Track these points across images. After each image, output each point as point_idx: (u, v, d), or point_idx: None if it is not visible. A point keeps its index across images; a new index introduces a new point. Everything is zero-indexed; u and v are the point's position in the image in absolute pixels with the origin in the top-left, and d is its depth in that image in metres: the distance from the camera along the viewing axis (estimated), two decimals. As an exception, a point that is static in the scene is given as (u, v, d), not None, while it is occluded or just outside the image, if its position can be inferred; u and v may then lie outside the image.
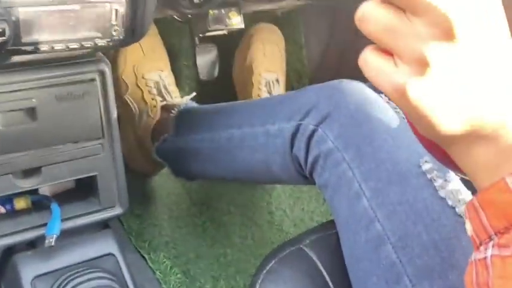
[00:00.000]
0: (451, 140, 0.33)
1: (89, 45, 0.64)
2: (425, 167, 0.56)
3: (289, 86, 1.35)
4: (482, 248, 0.34)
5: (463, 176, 0.44)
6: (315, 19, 1.35)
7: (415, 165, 0.56)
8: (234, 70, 1.25)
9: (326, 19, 1.34)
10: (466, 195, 0.55)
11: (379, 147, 0.58)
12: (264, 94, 1.16)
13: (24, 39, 0.59)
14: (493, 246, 0.33)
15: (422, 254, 0.53)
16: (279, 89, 1.20)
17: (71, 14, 0.61)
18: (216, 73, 1.20)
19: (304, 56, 1.37)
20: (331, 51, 1.38)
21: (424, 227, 0.53)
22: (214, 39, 1.12)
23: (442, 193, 0.55)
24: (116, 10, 0.63)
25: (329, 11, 1.32)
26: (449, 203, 0.54)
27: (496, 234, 0.33)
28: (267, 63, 1.20)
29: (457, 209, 0.54)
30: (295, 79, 1.37)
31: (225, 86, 1.25)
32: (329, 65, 1.39)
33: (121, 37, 0.65)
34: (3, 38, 0.57)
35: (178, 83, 1.20)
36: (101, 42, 0.64)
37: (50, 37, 0.61)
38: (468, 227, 0.36)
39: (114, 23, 0.63)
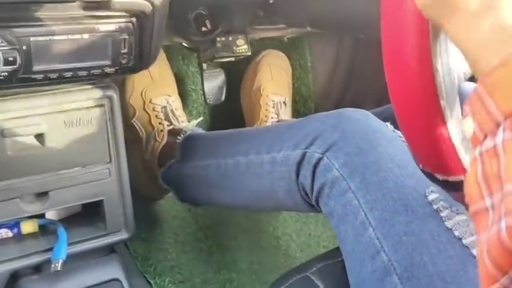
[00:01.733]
0: (463, 10, 0.31)
1: (98, 72, 0.65)
2: (431, 197, 0.56)
3: (295, 110, 1.36)
4: (488, 139, 0.32)
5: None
6: (321, 45, 1.36)
7: (421, 195, 0.56)
8: (241, 95, 1.27)
9: (332, 45, 1.35)
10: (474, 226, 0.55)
11: (385, 177, 0.58)
12: (272, 115, 1.17)
13: (35, 68, 0.60)
14: (504, 130, 0.31)
15: (429, 285, 0.52)
16: (286, 111, 1.21)
17: (81, 43, 0.62)
18: (223, 97, 1.21)
19: (310, 80, 1.38)
20: (336, 77, 1.39)
21: (430, 257, 0.53)
22: (221, 64, 1.14)
23: (448, 224, 0.54)
24: (125, 39, 0.64)
25: (335, 38, 1.33)
26: (456, 233, 0.54)
27: (506, 118, 0.31)
28: (275, 87, 1.21)
29: (463, 240, 0.54)
30: (301, 103, 1.38)
31: (231, 110, 1.26)
32: (334, 90, 1.40)
33: (130, 65, 0.66)
34: (14, 66, 0.59)
35: (185, 107, 1.21)
36: (110, 70, 0.66)
37: (59, 65, 0.62)
38: (469, 124, 0.34)
39: (123, 51, 0.65)
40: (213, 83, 1.20)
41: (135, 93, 1.07)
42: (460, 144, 0.46)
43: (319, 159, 0.64)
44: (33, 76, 0.61)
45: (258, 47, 1.21)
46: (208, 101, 1.20)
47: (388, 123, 0.64)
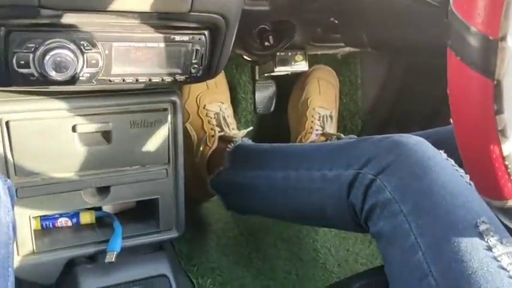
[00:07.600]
0: None
1: (170, 79, 0.69)
2: (482, 227, 0.56)
3: (342, 125, 1.38)
4: None
5: None
6: (372, 63, 1.38)
7: (472, 224, 0.57)
8: (289, 106, 1.29)
9: (382, 64, 1.37)
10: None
11: (437, 203, 0.59)
12: (317, 127, 1.19)
13: (114, 71, 0.65)
14: None
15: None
16: (331, 125, 1.23)
17: (157, 51, 0.66)
18: (272, 108, 1.24)
19: (359, 97, 1.40)
20: (385, 95, 1.40)
21: (477, 286, 0.54)
22: (272, 76, 1.17)
23: (497, 255, 0.55)
24: (197, 50, 0.68)
25: (386, 57, 1.35)
26: (504, 265, 0.55)
27: None
28: (322, 100, 1.24)
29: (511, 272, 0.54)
30: (349, 118, 1.40)
31: (278, 120, 1.29)
32: (382, 109, 1.41)
33: (199, 74, 0.70)
34: (96, 68, 0.63)
35: (235, 115, 1.24)
36: (180, 78, 0.69)
37: (136, 70, 0.66)
38: None
39: (194, 61, 0.68)
40: (264, 94, 1.24)
41: (190, 98, 1.11)
42: None
43: (372, 181, 0.65)
44: (111, 78, 0.65)
45: (311, 61, 1.24)
46: (258, 110, 1.24)
47: (441, 151, 0.66)
